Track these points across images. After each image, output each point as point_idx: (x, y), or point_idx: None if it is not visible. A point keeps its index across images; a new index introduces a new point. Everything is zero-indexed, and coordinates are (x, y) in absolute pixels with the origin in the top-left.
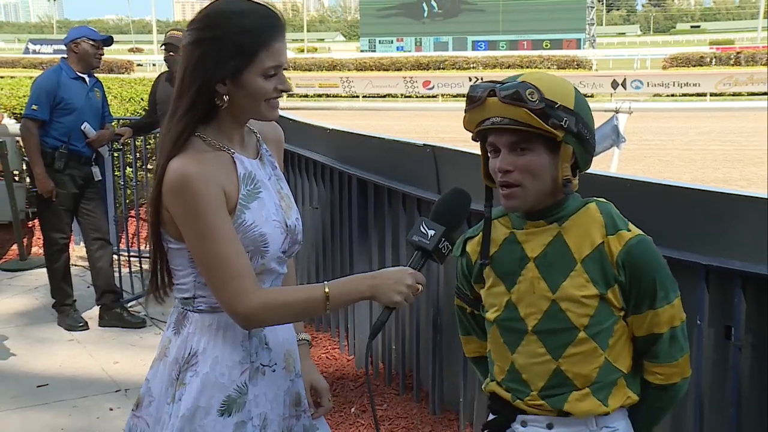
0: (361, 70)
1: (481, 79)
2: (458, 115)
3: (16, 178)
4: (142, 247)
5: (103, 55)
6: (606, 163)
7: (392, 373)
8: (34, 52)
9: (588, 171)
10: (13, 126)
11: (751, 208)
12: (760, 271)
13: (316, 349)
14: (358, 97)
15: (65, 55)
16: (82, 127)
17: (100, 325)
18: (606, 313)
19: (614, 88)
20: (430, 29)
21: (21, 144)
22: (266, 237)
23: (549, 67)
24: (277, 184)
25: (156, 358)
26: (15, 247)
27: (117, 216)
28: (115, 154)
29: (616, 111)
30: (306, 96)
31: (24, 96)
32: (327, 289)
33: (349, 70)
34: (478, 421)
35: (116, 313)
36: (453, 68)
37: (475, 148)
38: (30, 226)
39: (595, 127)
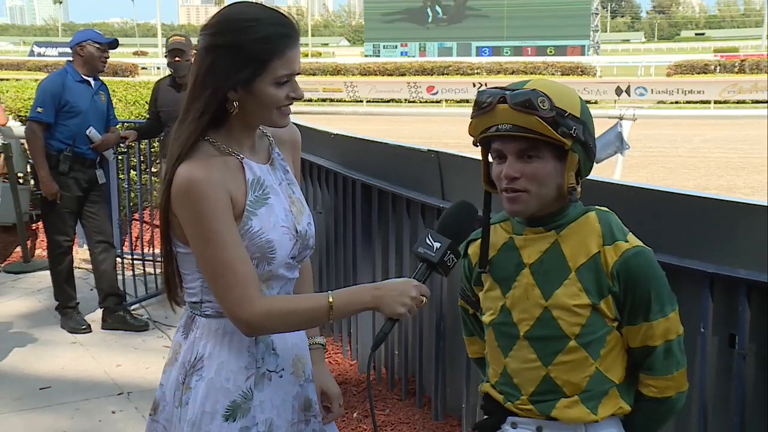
0: (365, 74)
1: (485, 84)
2: (462, 120)
3: (21, 181)
4: (145, 250)
5: (108, 58)
6: (610, 170)
7: (395, 378)
8: (39, 54)
9: (591, 178)
10: (18, 128)
11: (755, 216)
12: (764, 279)
13: None
14: (362, 101)
15: (71, 58)
16: (87, 132)
17: (103, 328)
18: (598, 324)
19: (618, 95)
20: (435, 35)
21: (26, 146)
22: (273, 244)
23: (553, 74)
24: (289, 189)
25: (167, 362)
26: (19, 249)
27: (121, 219)
28: (120, 157)
29: (620, 118)
30: (310, 100)
31: (29, 98)
32: (331, 299)
33: (353, 74)
34: None
35: (119, 316)
36: (457, 74)
37: (480, 154)
38: (34, 228)
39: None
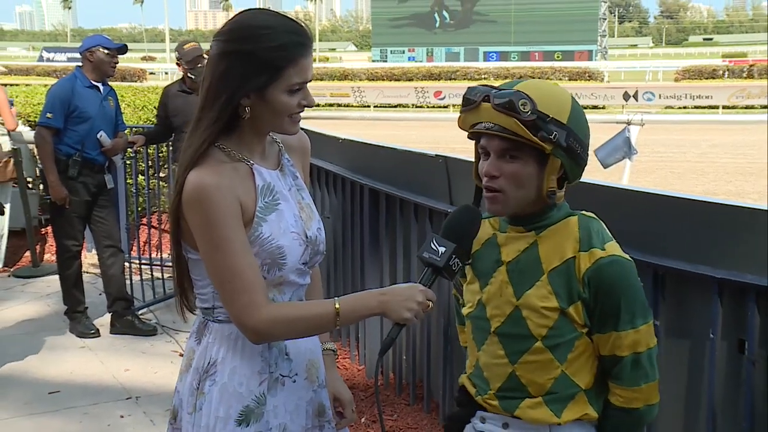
0: (373, 79)
1: None
2: None
3: (30, 186)
4: (153, 255)
5: (117, 63)
6: (618, 175)
7: (402, 383)
8: (48, 60)
9: (599, 183)
10: (27, 133)
11: (764, 221)
12: None
13: None
14: (369, 106)
15: (80, 64)
16: (98, 136)
17: (111, 333)
18: (566, 328)
19: (626, 100)
20: (442, 40)
21: (35, 151)
22: (283, 249)
23: (560, 79)
24: (298, 195)
25: (182, 369)
26: (28, 253)
27: (129, 223)
28: (128, 162)
29: (628, 123)
30: (318, 105)
31: (38, 104)
32: (337, 305)
33: (360, 79)
34: None
35: (127, 320)
36: (464, 79)
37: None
38: (43, 233)
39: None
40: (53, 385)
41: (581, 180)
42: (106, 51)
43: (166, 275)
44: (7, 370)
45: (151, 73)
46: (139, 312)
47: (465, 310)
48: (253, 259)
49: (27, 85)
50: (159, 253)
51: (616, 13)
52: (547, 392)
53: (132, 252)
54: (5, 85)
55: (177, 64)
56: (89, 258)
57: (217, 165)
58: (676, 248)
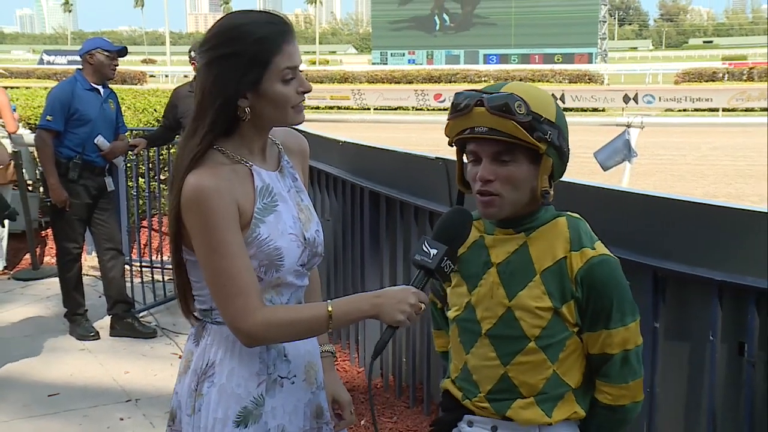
0: (373, 82)
1: None
2: None
3: (30, 188)
4: (154, 258)
5: (117, 66)
6: (617, 178)
7: (403, 385)
8: (49, 63)
9: (599, 185)
10: (27, 136)
11: (764, 224)
12: None
13: None
14: (369, 109)
15: (80, 67)
16: (96, 141)
17: (111, 335)
18: (559, 327)
19: (626, 103)
20: (442, 42)
21: (35, 154)
22: (281, 251)
23: (561, 81)
24: (297, 197)
25: (181, 371)
26: (28, 256)
27: (129, 226)
28: (128, 165)
29: (628, 125)
30: (317, 108)
31: (39, 106)
32: (330, 308)
33: (360, 82)
34: None
35: (127, 323)
36: (464, 81)
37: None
38: (43, 235)
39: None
40: (53, 387)
41: (582, 183)
42: (106, 54)
43: (166, 278)
44: (6, 373)
45: (151, 76)
46: (139, 314)
47: (451, 314)
48: (248, 262)
49: (27, 87)
50: (159, 256)
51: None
52: (539, 392)
53: (132, 254)
54: (6, 88)
55: (191, 63)
56: (89, 260)
57: (216, 167)
58: (676, 251)
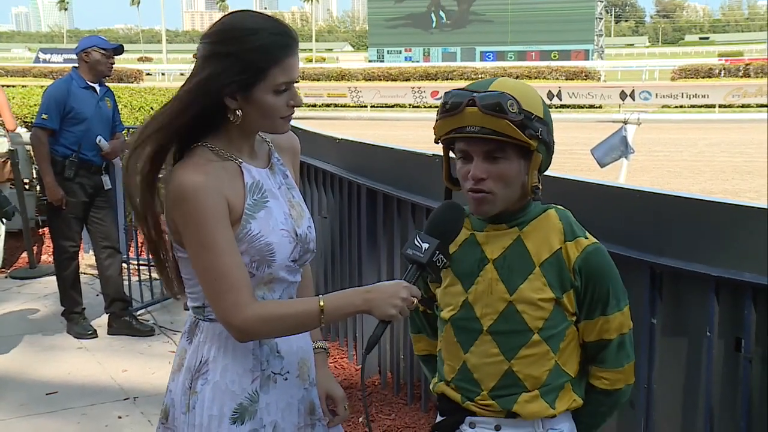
0: (370, 80)
1: None
2: None
3: (27, 187)
4: (151, 256)
5: (114, 64)
6: (614, 174)
7: (400, 382)
8: (45, 61)
9: (596, 182)
10: (24, 134)
11: (761, 219)
12: None
13: None
14: (366, 107)
15: (76, 65)
16: (97, 141)
17: (108, 333)
18: (560, 317)
19: (623, 99)
20: (439, 39)
21: (31, 152)
22: (272, 246)
23: (557, 78)
24: (288, 193)
25: (174, 368)
26: (25, 255)
27: (126, 224)
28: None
29: (625, 122)
30: (314, 106)
31: (35, 105)
32: (322, 303)
33: (357, 80)
34: None
35: (125, 321)
36: (461, 78)
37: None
38: (40, 234)
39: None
40: (51, 386)
41: (579, 179)
42: (102, 52)
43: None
44: (3, 371)
45: (147, 74)
46: (137, 313)
47: (445, 314)
48: (239, 258)
49: (23, 86)
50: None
51: (613, 13)
52: (542, 384)
53: (130, 253)
54: (4, 86)
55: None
56: (87, 259)
57: (205, 164)
58: (673, 246)
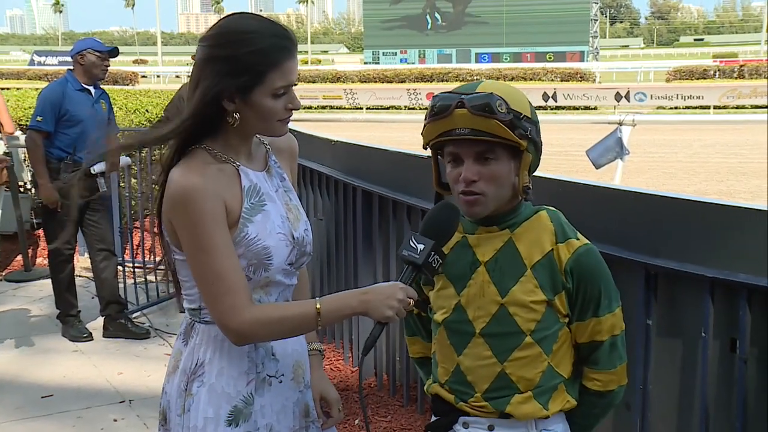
0: (365, 82)
1: None
2: None
3: (22, 189)
4: (146, 258)
5: (108, 66)
6: (609, 176)
7: (396, 384)
8: (39, 63)
9: (591, 183)
10: (19, 137)
11: (755, 220)
12: (764, 283)
13: None
14: (361, 108)
15: (71, 67)
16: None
17: (104, 336)
18: (552, 319)
19: (618, 101)
20: (434, 41)
21: (26, 155)
22: (270, 250)
23: (553, 80)
24: (285, 196)
25: (170, 371)
26: (20, 257)
27: (122, 227)
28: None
29: (620, 123)
30: (310, 108)
31: (29, 107)
32: (318, 305)
33: (352, 82)
34: None
35: (121, 324)
36: (456, 80)
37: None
38: (35, 236)
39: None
40: (46, 389)
41: (574, 180)
42: (97, 54)
43: (159, 278)
44: None
45: (143, 77)
46: (132, 315)
47: (438, 317)
48: (236, 261)
49: (18, 88)
50: (152, 257)
51: (608, 14)
52: (536, 386)
53: (125, 255)
54: (1, 89)
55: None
56: (82, 261)
57: (203, 166)
58: (668, 248)
